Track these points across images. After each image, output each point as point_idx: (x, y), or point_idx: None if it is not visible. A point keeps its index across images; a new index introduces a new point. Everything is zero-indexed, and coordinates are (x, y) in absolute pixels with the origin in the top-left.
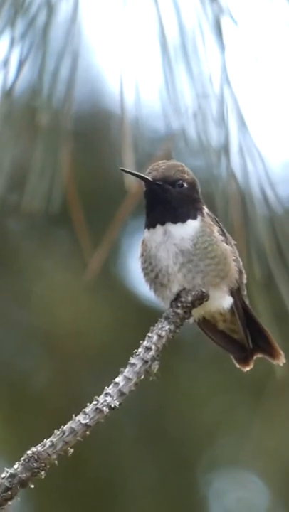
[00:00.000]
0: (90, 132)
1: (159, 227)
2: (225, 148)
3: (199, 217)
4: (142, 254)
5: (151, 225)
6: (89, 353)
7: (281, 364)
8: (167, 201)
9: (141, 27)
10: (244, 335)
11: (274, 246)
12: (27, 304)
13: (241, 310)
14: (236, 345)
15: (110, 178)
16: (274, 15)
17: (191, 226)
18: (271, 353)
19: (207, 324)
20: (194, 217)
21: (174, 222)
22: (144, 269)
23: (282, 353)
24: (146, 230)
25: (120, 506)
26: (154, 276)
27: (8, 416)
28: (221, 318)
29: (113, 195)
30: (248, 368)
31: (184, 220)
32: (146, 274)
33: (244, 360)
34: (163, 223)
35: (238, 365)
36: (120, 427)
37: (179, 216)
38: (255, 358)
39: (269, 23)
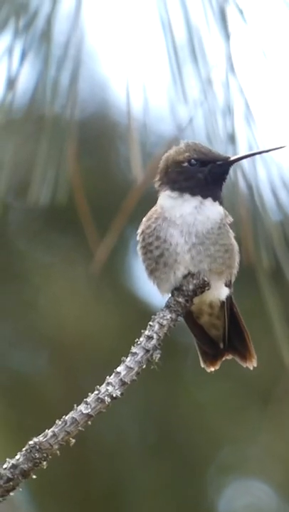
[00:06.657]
0: (96, 138)
1: (197, 198)
2: (231, 138)
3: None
4: (149, 227)
5: (192, 192)
6: (95, 356)
7: (251, 368)
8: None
9: (145, 21)
10: (224, 331)
11: (282, 237)
12: (34, 309)
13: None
14: (210, 342)
15: (116, 184)
16: (279, 3)
17: (219, 210)
18: (244, 354)
19: (189, 317)
20: (221, 203)
21: (214, 200)
22: (148, 244)
23: (255, 356)
24: (173, 196)
25: None
26: (159, 254)
27: (11, 407)
28: (209, 311)
29: (119, 198)
30: (212, 369)
31: (220, 202)
32: (148, 252)
33: (212, 359)
34: (205, 197)
35: (203, 365)
36: (127, 433)
37: (219, 197)
38: (223, 359)
39: (274, 12)
